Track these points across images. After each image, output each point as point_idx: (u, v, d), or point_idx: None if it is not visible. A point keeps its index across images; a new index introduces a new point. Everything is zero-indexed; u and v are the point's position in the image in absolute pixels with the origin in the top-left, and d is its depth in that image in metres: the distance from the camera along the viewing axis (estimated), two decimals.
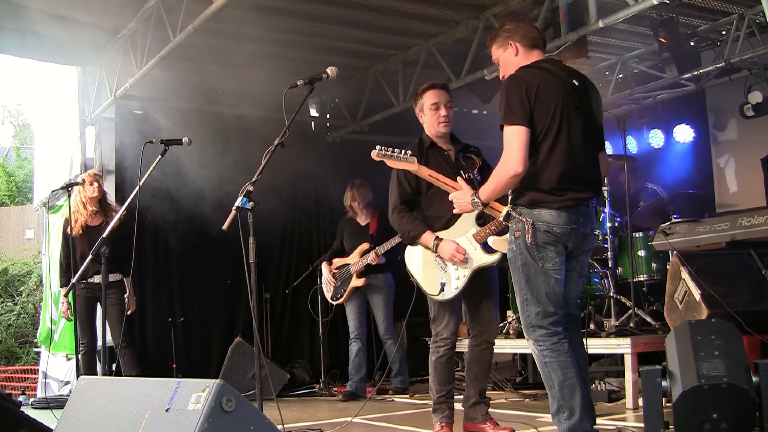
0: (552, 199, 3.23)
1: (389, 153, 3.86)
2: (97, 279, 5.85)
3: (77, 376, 6.05)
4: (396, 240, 6.38)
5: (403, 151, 3.86)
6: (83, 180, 5.96)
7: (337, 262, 6.77)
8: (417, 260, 4.12)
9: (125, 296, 5.88)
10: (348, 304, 6.70)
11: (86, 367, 5.93)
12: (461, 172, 4.04)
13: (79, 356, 5.98)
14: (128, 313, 6.11)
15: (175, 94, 7.74)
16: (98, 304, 5.87)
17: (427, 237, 4.01)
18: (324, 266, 6.80)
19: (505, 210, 3.36)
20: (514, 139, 3.18)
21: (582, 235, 3.31)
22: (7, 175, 20.73)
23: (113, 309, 5.86)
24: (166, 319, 7.34)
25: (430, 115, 4.16)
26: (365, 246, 6.60)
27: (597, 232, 3.57)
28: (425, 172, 3.86)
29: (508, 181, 3.22)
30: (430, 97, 4.17)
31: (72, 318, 5.88)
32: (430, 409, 4.17)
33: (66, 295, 5.98)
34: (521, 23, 3.54)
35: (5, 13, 6.28)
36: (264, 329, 7.77)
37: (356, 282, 6.57)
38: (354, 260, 6.63)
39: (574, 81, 3.37)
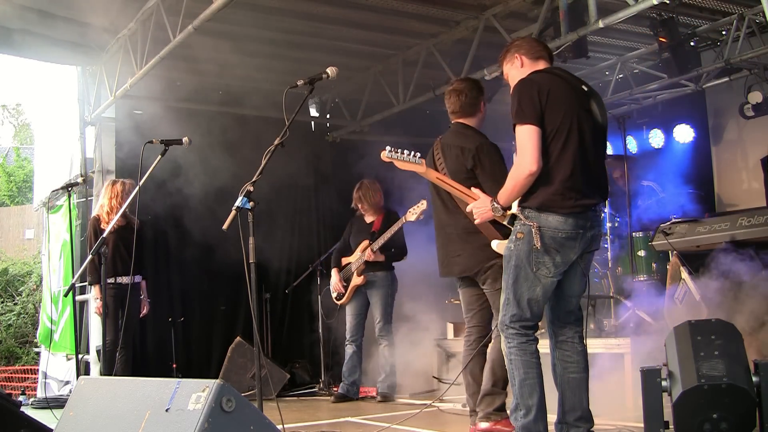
0: (561, 203, 3.24)
1: (398, 155, 3.83)
2: (125, 280, 5.97)
3: (77, 376, 6.05)
4: (388, 235, 6.25)
5: (412, 153, 3.82)
6: (112, 185, 6.17)
7: (344, 261, 6.73)
8: None
9: (141, 298, 6.13)
10: (350, 305, 6.63)
11: (107, 365, 5.94)
12: None
13: (101, 354, 6.02)
14: (141, 315, 6.20)
15: (175, 94, 7.74)
16: (123, 303, 5.98)
17: None
18: (334, 273, 6.68)
19: (510, 213, 3.38)
20: (527, 138, 3.23)
21: (589, 238, 3.35)
22: (7, 175, 20.75)
23: (133, 310, 6.06)
24: (166, 319, 7.34)
25: None
26: (365, 243, 6.53)
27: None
28: (433, 175, 3.82)
29: (525, 181, 3.25)
30: None
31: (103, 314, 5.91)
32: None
33: (65, 295, 6.01)
34: (528, 39, 3.64)
35: (5, 13, 6.28)
36: (264, 329, 7.76)
37: (356, 280, 6.52)
38: (355, 258, 6.59)
39: (583, 87, 3.44)
